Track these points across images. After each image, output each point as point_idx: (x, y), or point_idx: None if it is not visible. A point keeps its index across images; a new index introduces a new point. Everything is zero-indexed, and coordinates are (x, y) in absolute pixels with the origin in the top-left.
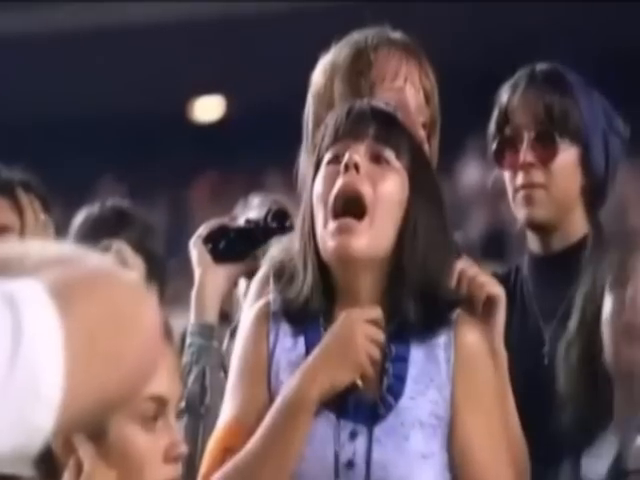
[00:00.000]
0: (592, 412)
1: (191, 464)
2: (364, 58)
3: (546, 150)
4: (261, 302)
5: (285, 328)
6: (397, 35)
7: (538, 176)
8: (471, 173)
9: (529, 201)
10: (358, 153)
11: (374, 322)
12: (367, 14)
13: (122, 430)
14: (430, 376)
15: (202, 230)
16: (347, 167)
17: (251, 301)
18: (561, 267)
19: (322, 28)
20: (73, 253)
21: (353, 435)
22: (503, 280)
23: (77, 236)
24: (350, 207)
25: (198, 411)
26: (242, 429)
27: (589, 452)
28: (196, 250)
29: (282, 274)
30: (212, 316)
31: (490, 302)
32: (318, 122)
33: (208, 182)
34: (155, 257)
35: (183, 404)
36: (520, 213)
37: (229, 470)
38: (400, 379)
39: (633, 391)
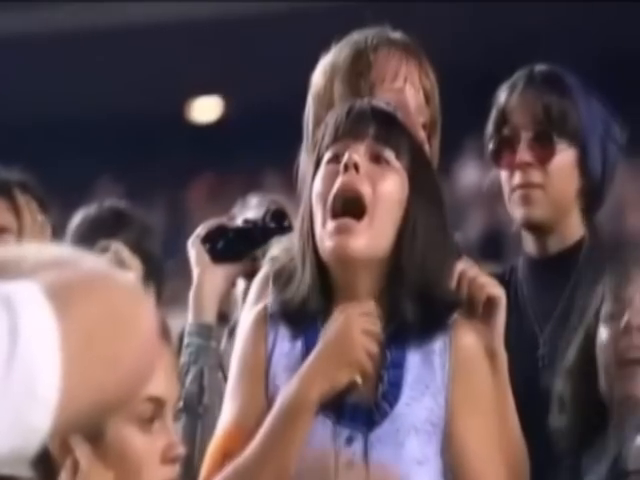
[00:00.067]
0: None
1: (189, 464)
2: (364, 59)
3: (544, 150)
4: (260, 305)
5: (283, 331)
6: (397, 35)
7: (535, 176)
8: (469, 174)
9: (526, 201)
10: (358, 153)
11: (369, 315)
12: (367, 14)
13: (119, 431)
14: (425, 383)
15: (200, 230)
16: (347, 167)
17: (251, 302)
18: (557, 270)
19: (322, 28)
20: (70, 255)
21: (349, 441)
22: (498, 280)
23: (74, 237)
24: (349, 207)
25: (196, 411)
26: (241, 433)
27: (589, 453)
28: (194, 250)
29: (281, 275)
30: (210, 316)
31: (490, 303)
32: (318, 123)
33: (206, 182)
34: (153, 258)
35: (181, 404)
36: (517, 213)
37: (229, 474)
38: (396, 385)
39: (626, 419)
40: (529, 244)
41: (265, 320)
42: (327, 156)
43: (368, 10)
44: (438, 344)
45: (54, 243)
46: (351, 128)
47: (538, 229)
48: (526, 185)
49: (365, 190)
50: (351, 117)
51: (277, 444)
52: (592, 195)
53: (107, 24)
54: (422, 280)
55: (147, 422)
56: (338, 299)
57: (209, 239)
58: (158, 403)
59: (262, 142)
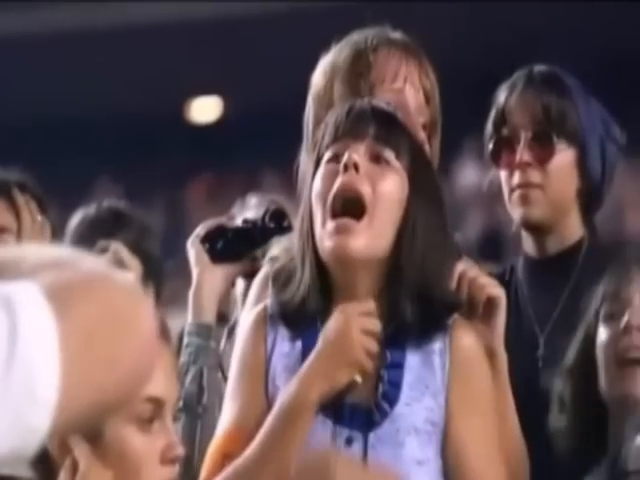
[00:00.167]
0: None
1: (189, 464)
2: (364, 59)
3: (543, 150)
4: (259, 306)
5: (283, 332)
6: (397, 35)
7: (535, 176)
8: (468, 174)
9: (525, 201)
10: (358, 153)
11: (368, 314)
12: (367, 14)
13: (118, 432)
14: (425, 383)
15: (200, 230)
16: (346, 167)
17: (251, 303)
18: (556, 270)
19: (322, 28)
20: (69, 256)
21: (349, 441)
22: (498, 280)
23: (74, 237)
24: (349, 207)
25: (196, 411)
26: (241, 435)
27: (589, 453)
28: (194, 250)
29: (281, 275)
30: (210, 316)
31: (490, 304)
32: (318, 123)
33: (205, 183)
34: (152, 258)
35: (181, 404)
36: (516, 213)
37: (229, 474)
38: (395, 386)
39: (626, 419)
40: (528, 244)
41: (265, 321)
42: (327, 156)
43: (368, 10)
44: (438, 344)
45: (53, 243)
46: (351, 128)
47: (537, 229)
48: (525, 185)
49: (365, 190)
50: (351, 117)
51: (277, 445)
52: (591, 195)
53: (107, 24)
54: (422, 280)
55: (146, 422)
56: (337, 299)
57: (208, 239)
58: (157, 403)
59: (261, 142)
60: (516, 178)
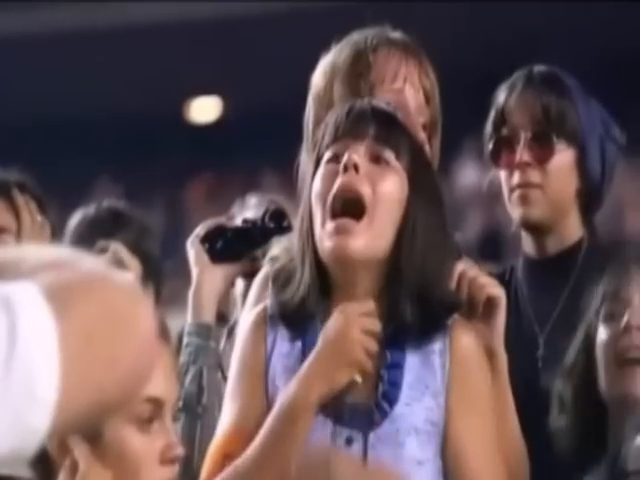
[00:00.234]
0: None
1: (188, 464)
2: (363, 60)
3: (543, 150)
4: (259, 307)
5: (283, 332)
6: (397, 35)
7: (534, 176)
8: (468, 174)
9: (525, 200)
10: (358, 153)
11: (368, 314)
12: (367, 14)
13: (118, 432)
14: (425, 383)
15: (199, 230)
16: (346, 167)
17: (251, 302)
18: (556, 270)
19: (322, 28)
20: (69, 256)
21: (349, 441)
22: (498, 280)
23: (73, 237)
24: (349, 207)
25: (195, 411)
26: (241, 435)
27: (589, 453)
28: (193, 250)
29: (280, 276)
30: (209, 316)
31: (490, 303)
32: (318, 123)
33: (204, 183)
34: (151, 258)
35: (180, 404)
36: (515, 213)
37: (229, 475)
38: (395, 386)
39: (626, 419)
40: (528, 244)
41: (264, 321)
42: (327, 156)
43: (368, 10)
44: (438, 345)
45: (53, 243)
46: (351, 128)
47: (537, 229)
48: (525, 185)
49: (365, 190)
50: (351, 117)
51: (277, 445)
52: (591, 196)
53: (107, 24)
54: (421, 280)
55: (146, 422)
56: (337, 299)
57: (208, 239)
58: (157, 403)
59: (261, 142)
60: (516, 178)
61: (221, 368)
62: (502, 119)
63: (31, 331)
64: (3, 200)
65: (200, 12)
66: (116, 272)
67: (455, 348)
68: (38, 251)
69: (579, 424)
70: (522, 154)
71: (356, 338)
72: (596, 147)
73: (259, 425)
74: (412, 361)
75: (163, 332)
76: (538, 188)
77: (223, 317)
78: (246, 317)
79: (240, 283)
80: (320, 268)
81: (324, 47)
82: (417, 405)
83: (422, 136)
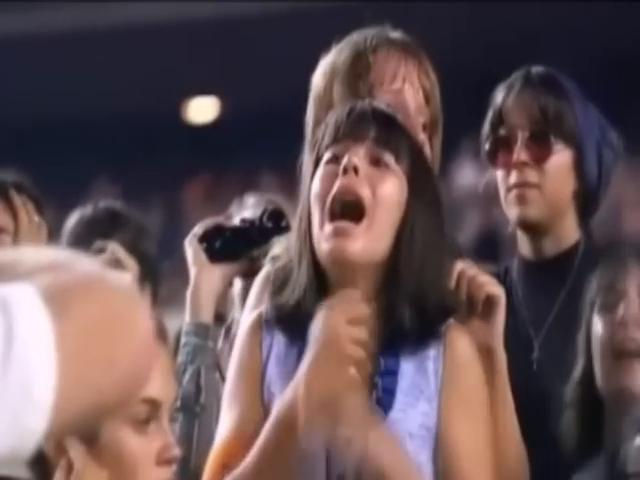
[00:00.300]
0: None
1: (186, 463)
2: (363, 60)
3: (540, 150)
4: (255, 312)
5: (279, 337)
6: (397, 35)
7: (532, 175)
8: (466, 174)
9: (522, 200)
10: (357, 155)
11: (353, 303)
12: (367, 14)
13: (114, 433)
14: (420, 388)
15: (197, 229)
16: (346, 170)
17: (252, 302)
18: (552, 273)
19: (322, 28)
20: (66, 258)
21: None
22: None
23: (70, 237)
24: (348, 210)
25: (193, 410)
26: (240, 443)
27: (586, 452)
28: (191, 249)
29: (278, 277)
30: (207, 316)
31: (490, 302)
32: (318, 124)
33: (202, 183)
34: (149, 258)
35: (178, 403)
36: (512, 212)
37: None
38: (389, 392)
39: (622, 413)
40: (524, 246)
41: (260, 326)
42: (326, 156)
43: (368, 10)
44: (432, 351)
45: (50, 244)
46: (351, 129)
47: (533, 229)
48: (522, 184)
49: (364, 193)
50: (352, 118)
51: (275, 453)
52: (588, 198)
53: (107, 24)
54: (419, 284)
55: (143, 423)
56: None
57: (206, 238)
58: (154, 404)
59: (260, 143)
60: (513, 178)
61: (219, 368)
62: (500, 119)
63: (28, 332)
64: (1, 201)
65: (200, 12)
66: (113, 273)
67: (449, 353)
68: (35, 253)
69: (579, 421)
70: (520, 154)
71: (342, 332)
72: (593, 150)
73: (258, 432)
74: (406, 367)
75: (161, 333)
76: (535, 188)
77: (221, 317)
78: (245, 320)
79: (238, 283)
80: (317, 270)
81: (324, 47)
82: (412, 411)
83: (422, 137)
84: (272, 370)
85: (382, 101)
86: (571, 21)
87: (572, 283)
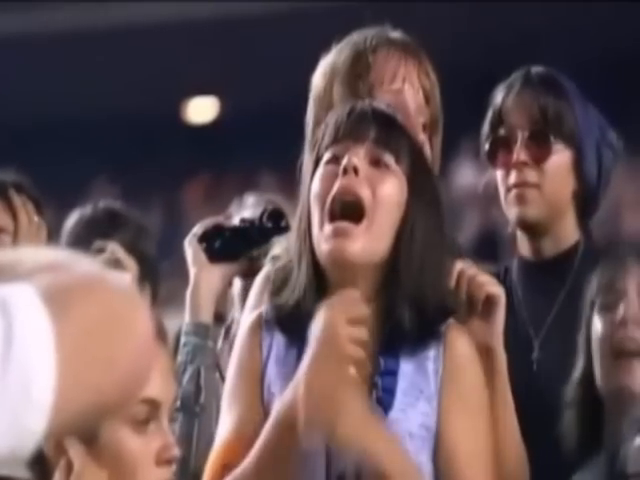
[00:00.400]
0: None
1: (186, 463)
2: (363, 61)
3: (540, 150)
4: (255, 313)
5: (279, 338)
6: (396, 35)
7: (531, 175)
8: (466, 174)
9: (521, 200)
10: (357, 156)
11: (353, 303)
12: (367, 14)
13: (114, 433)
14: (420, 388)
15: (197, 229)
16: (346, 170)
17: (253, 302)
18: (552, 273)
19: (322, 29)
20: (66, 258)
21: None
22: None
23: (70, 237)
24: (347, 210)
25: (193, 410)
26: (240, 444)
27: (585, 451)
28: (191, 249)
29: (278, 277)
30: (207, 316)
31: (490, 302)
32: (318, 125)
33: (202, 183)
34: (148, 258)
35: (178, 403)
36: (512, 212)
37: None
38: (389, 392)
39: (622, 412)
40: (524, 246)
41: (260, 327)
42: (326, 157)
43: (368, 10)
44: (432, 352)
45: (50, 244)
46: (352, 130)
47: (533, 229)
48: (522, 184)
49: (364, 193)
50: (352, 118)
51: (275, 454)
52: (587, 199)
53: (107, 24)
54: (419, 284)
55: (142, 423)
56: None
57: (206, 238)
58: (153, 405)
59: (259, 143)
60: (512, 177)
61: (219, 368)
62: (499, 119)
63: (27, 332)
64: (0, 201)
65: (200, 12)
66: (113, 274)
67: (449, 353)
68: (35, 253)
69: (579, 421)
70: (519, 153)
71: (342, 331)
72: (593, 150)
73: (258, 432)
74: (406, 368)
75: (160, 333)
76: (535, 188)
77: (220, 317)
78: (245, 320)
79: (238, 283)
80: (317, 270)
81: (324, 47)
82: (412, 410)
83: (422, 137)
84: (272, 370)
85: (382, 101)
86: (571, 21)
87: (572, 283)
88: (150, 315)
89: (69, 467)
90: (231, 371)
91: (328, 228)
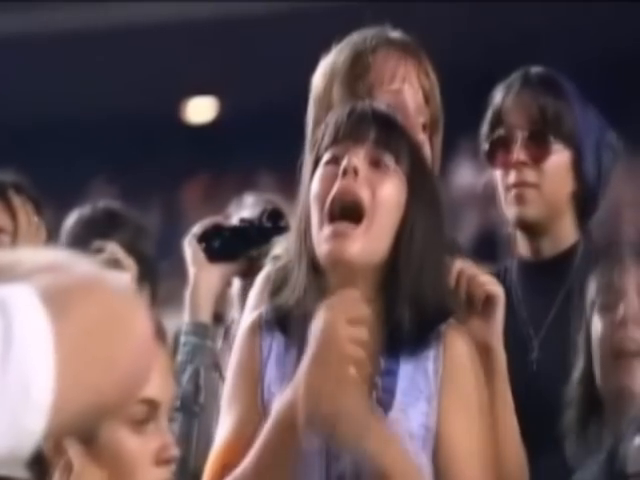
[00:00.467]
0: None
1: (185, 463)
2: (362, 61)
3: (539, 149)
4: (254, 313)
5: (279, 338)
6: (396, 35)
7: (530, 175)
8: (465, 174)
9: (520, 200)
10: (357, 157)
11: (353, 304)
12: (367, 14)
13: (113, 433)
14: (419, 388)
15: (196, 229)
16: (346, 171)
17: (253, 302)
18: (551, 274)
19: (322, 28)
20: (65, 259)
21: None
22: None
23: (69, 237)
24: (347, 211)
25: (192, 410)
26: (240, 444)
27: (585, 450)
28: (190, 249)
29: (278, 277)
30: (206, 315)
31: (489, 301)
32: (318, 125)
33: (201, 183)
34: (147, 258)
35: (177, 403)
36: (510, 212)
37: None
38: (389, 392)
39: (622, 412)
40: (523, 247)
41: (260, 327)
42: (326, 157)
43: (368, 10)
44: (432, 352)
45: (49, 244)
46: (352, 130)
47: (532, 229)
48: (521, 184)
49: (364, 194)
50: (352, 119)
51: (274, 454)
52: (586, 199)
53: (107, 24)
54: (419, 284)
55: (141, 424)
56: None
57: (205, 238)
58: (152, 405)
59: (259, 143)
60: (512, 177)
61: (218, 367)
62: (499, 119)
63: (27, 333)
64: (0, 201)
65: (200, 12)
66: (112, 274)
67: (448, 354)
68: (34, 254)
69: (579, 421)
70: (518, 153)
71: (342, 332)
72: (592, 151)
73: (257, 432)
74: (406, 368)
75: (159, 333)
76: (534, 188)
77: (220, 317)
78: (245, 320)
79: (237, 283)
80: (317, 270)
81: (324, 47)
82: (412, 410)
83: (421, 137)
84: (272, 370)
85: (382, 102)
86: (571, 21)
87: (571, 283)
88: (149, 315)
89: (68, 467)
90: (231, 371)
91: (327, 229)
